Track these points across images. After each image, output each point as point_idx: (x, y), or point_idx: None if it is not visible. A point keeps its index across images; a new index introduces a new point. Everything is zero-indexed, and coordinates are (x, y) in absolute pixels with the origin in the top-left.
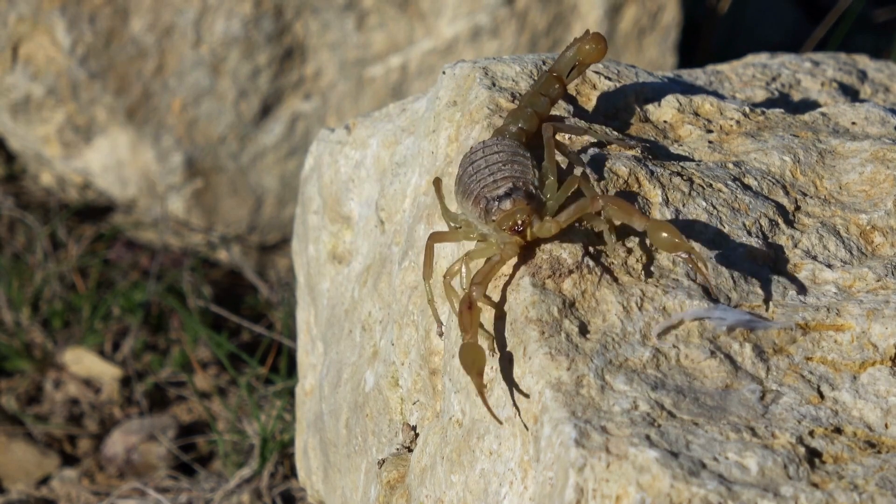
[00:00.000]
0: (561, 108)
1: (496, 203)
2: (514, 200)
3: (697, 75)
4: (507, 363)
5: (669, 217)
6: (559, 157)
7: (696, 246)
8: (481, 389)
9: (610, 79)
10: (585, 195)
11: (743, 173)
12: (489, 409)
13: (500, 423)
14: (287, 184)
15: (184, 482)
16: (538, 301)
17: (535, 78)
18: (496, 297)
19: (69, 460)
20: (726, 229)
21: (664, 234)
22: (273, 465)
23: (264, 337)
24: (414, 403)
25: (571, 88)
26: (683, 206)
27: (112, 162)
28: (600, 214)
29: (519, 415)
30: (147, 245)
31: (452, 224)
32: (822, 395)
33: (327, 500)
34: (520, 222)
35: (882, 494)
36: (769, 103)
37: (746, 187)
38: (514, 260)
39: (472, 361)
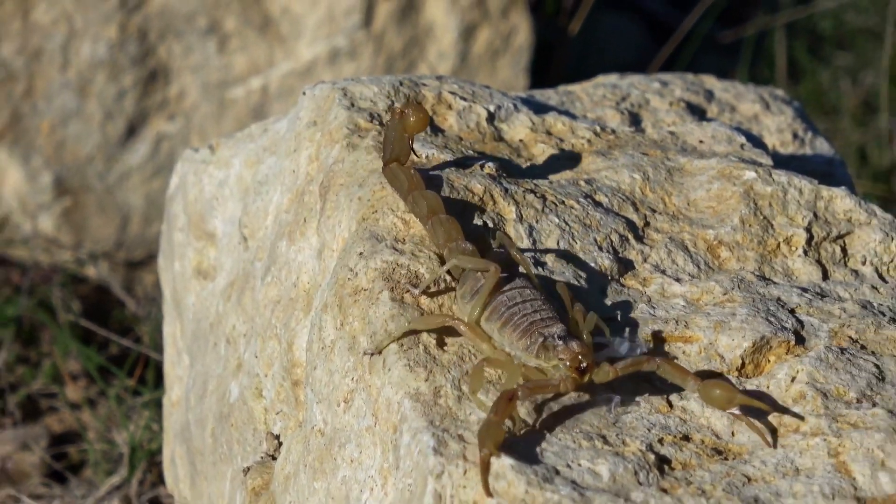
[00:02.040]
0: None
1: (558, 341)
2: (579, 343)
3: (550, 95)
4: (368, 375)
5: (524, 232)
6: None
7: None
8: (485, 465)
9: (465, 99)
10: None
11: (594, 190)
12: (486, 484)
13: (490, 495)
14: (153, 202)
15: (56, 489)
16: (397, 315)
17: (392, 100)
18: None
19: None
20: (578, 245)
21: (718, 392)
22: (142, 473)
23: (132, 350)
24: (277, 413)
25: (429, 108)
26: (537, 222)
27: None
28: (654, 370)
29: (377, 424)
30: (18, 262)
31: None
32: (670, 405)
33: None
34: (584, 365)
35: (728, 499)
36: (619, 122)
37: (598, 204)
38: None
39: (490, 437)
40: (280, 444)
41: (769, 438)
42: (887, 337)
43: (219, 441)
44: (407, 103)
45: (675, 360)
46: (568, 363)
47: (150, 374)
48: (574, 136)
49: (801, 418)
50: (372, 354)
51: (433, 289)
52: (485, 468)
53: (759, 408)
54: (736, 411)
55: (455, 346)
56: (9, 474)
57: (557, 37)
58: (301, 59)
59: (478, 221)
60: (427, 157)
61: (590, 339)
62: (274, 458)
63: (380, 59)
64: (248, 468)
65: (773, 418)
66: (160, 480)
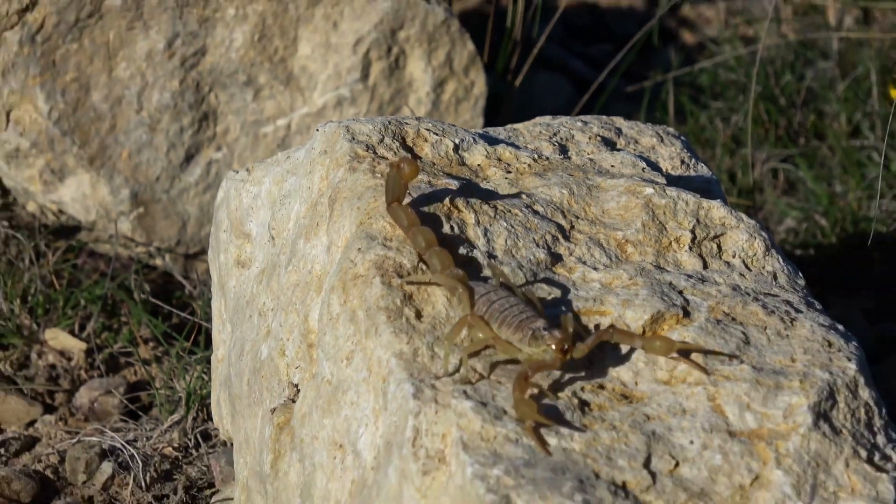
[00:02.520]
0: (401, 155)
1: (544, 332)
2: (560, 331)
3: (500, 132)
4: (364, 339)
5: (480, 233)
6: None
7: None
8: (534, 432)
9: (437, 134)
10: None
11: (533, 202)
12: (542, 443)
13: (549, 454)
14: (204, 211)
15: (131, 424)
16: (386, 294)
17: (383, 135)
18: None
19: (49, 409)
20: (521, 242)
21: (658, 343)
22: (195, 412)
23: (189, 320)
24: (296, 368)
25: (409, 141)
26: (490, 225)
27: (79, 195)
28: (610, 339)
29: (371, 376)
30: (104, 255)
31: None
32: (590, 361)
33: (234, 438)
34: (566, 347)
35: (633, 432)
36: (552, 152)
37: (536, 212)
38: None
39: (525, 410)
40: (298, 391)
41: (706, 368)
42: (751, 311)
43: (252, 389)
44: (402, 157)
45: (622, 328)
46: (554, 347)
47: (201, 339)
48: (518, 161)
49: (727, 354)
50: (441, 377)
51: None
52: (534, 435)
53: (690, 349)
54: (675, 356)
55: (429, 318)
56: (96, 413)
57: (505, 89)
58: (315, 105)
59: (446, 226)
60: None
61: (566, 326)
62: (294, 402)
63: (374, 105)
64: (275, 409)
65: (698, 358)
66: (209, 418)
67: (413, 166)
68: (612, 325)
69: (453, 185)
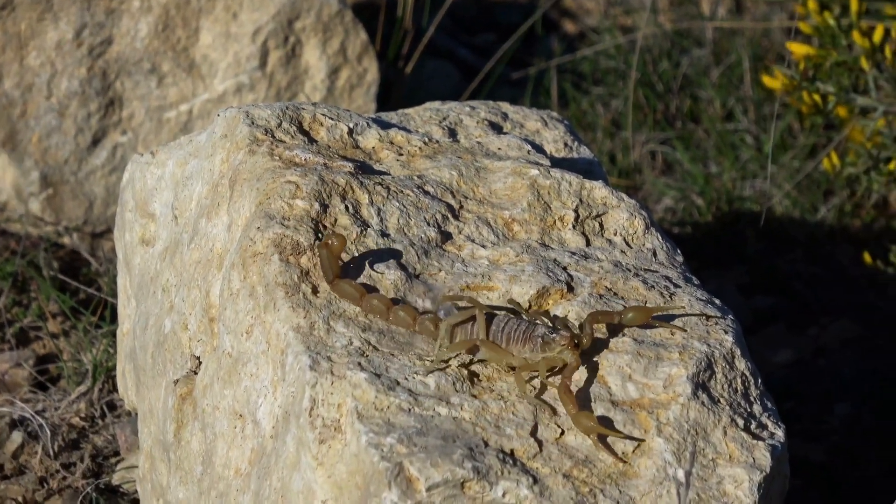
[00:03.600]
0: (299, 139)
1: (552, 335)
2: (565, 330)
3: (392, 116)
4: (263, 314)
5: (374, 212)
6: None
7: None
8: (600, 440)
9: (332, 119)
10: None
11: (424, 183)
12: (612, 452)
13: (624, 461)
14: (111, 192)
15: (40, 395)
16: (283, 271)
17: (281, 119)
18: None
19: None
20: (413, 221)
21: (632, 314)
22: (101, 383)
23: (95, 296)
24: (198, 341)
25: (306, 126)
26: (383, 205)
27: None
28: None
29: (270, 349)
30: (15, 233)
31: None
32: None
33: (139, 408)
34: (577, 341)
35: (519, 402)
36: (442, 135)
37: (427, 192)
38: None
39: (586, 423)
40: (200, 363)
41: (683, 329)
42: (632, 286)
43: (156, 361)
44: (327, 234)
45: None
46: (565, 345)
47: (107, 314)
48: (409, 144)
49: (707, 315)
50: (428, 374)
51: (442, 364)
52: (603, 447)
53: (671, 312)
54: (655, 324)
55: (324, 293)
56: (6, 385)
57: (396, 76)
58: (216, 92)
59: (340, 205)
60: (305, 159)
61: (565, 324)
62: (196, 373)
63: (271, 91)
64: (178, 380)
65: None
66: (114, 389)
67: (340, 239)
68: (594, 311)
69: (348, 166)
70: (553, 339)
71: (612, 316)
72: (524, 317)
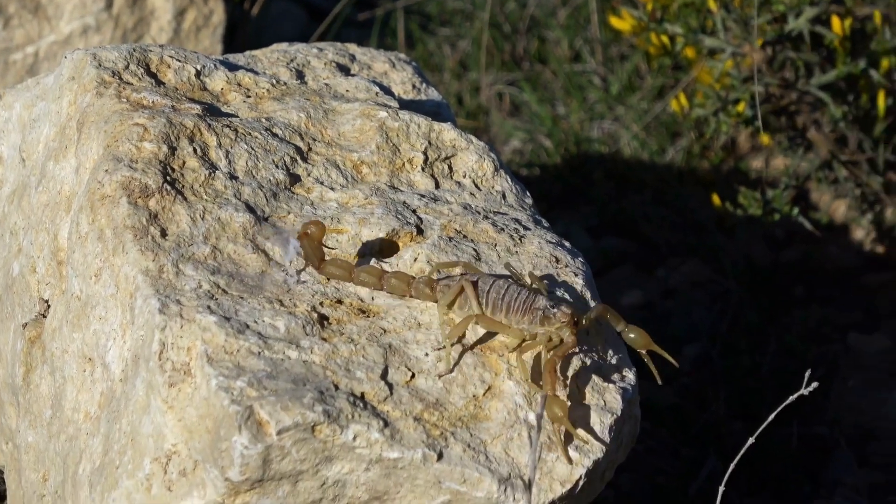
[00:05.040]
0: (146, 82)
1: (553, 310)
2: (566, 306)
3: (239, 58)
4: (111, 257)
5: (222, 155)
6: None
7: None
8: (569, 427)
9: (179, 61)
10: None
11: (272, 125)
12: (574, 433)
13: (571, 462)
14: None
15: None
16: (132, 214)
17: (128, 62)
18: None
19: None
20: (261, 164)
21: (633, 335)
22: None
23: None
24: (47, 284)
25: (154, 68)
26: (231, 148)
27: None
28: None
29: (119, 292)
30: None
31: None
32: (328, 280)
33: None
34: (576, 320)
35: (370, 345)
36: (289, 77)
37: (275, 135)
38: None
39: (557, 409)
40: (49, 306)
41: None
42: (482, 229)
43: (4, 304)
44: (306, 224)
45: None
46: (565, 322)
47: None
48: (257, 87)
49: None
50: (438, 349)
51: (451, 342)
52: (566, 433)
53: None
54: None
55: (174, 236)
56: None
57: (242, 17)
58: (62, 33)
59: (188, 148)
60: (153, 102)
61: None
62: (44, 317)
63: (117, 32)
64: (26, 324)
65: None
66: None
67: (319, 226)
68: (605, 307)
69: (196, 109)
70: (554, 315)
71: (618, 322)
72: (518, 286)
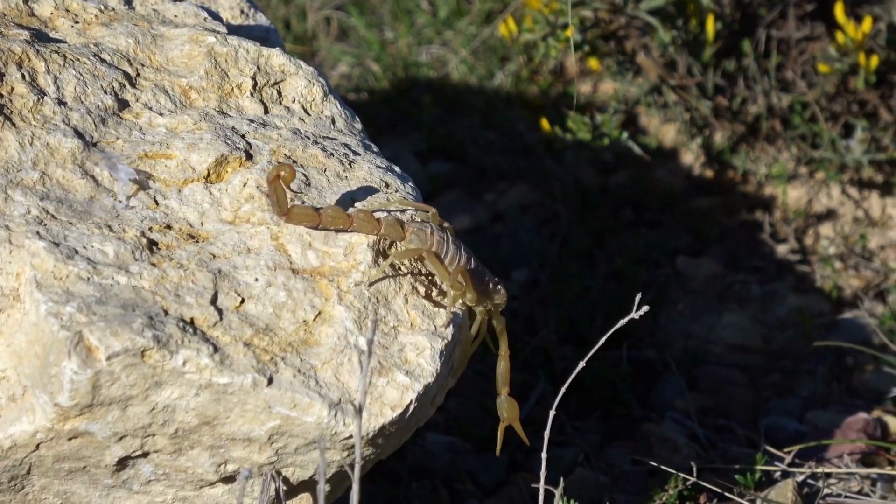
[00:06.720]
0: None
1: (500, 287)
2: (503, 286)
3: None
4: None
5: (50, 81)
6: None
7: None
8: (521, 430)
9: None
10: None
11: (101, 51)
12: (502, 441)
13: (528, 444)
14: None
15: None
16: None
17: None
18: None
19: None
20: (90, 89)
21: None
22: None
23: None
24: None
25: None
26: (60, 73)
27: None
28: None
29: None
30: None
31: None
32: (157, 203)
33: None
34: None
35: (200, 270)
36: (118, 3)
37: (103, 61)
38: None
39: (511, 414)
40: None
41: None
42: (311, 154)
43: None
44: (277, 166)
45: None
46: (498, 302)
47: None
48: (85, 12)
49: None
50: (371, 284)
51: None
52: (502, 434)
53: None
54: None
55: (1, 162)
56: None
57: None
58: None
59: (17, 74)
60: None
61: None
62: None
63: None
64: None
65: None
66: None
67: (290, 170)
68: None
69: (24, 34)
70: (499, 292)
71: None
72: (466, 252)
